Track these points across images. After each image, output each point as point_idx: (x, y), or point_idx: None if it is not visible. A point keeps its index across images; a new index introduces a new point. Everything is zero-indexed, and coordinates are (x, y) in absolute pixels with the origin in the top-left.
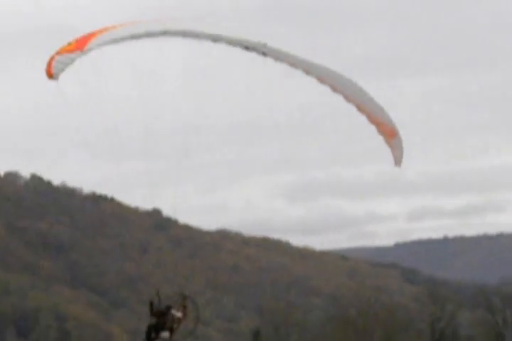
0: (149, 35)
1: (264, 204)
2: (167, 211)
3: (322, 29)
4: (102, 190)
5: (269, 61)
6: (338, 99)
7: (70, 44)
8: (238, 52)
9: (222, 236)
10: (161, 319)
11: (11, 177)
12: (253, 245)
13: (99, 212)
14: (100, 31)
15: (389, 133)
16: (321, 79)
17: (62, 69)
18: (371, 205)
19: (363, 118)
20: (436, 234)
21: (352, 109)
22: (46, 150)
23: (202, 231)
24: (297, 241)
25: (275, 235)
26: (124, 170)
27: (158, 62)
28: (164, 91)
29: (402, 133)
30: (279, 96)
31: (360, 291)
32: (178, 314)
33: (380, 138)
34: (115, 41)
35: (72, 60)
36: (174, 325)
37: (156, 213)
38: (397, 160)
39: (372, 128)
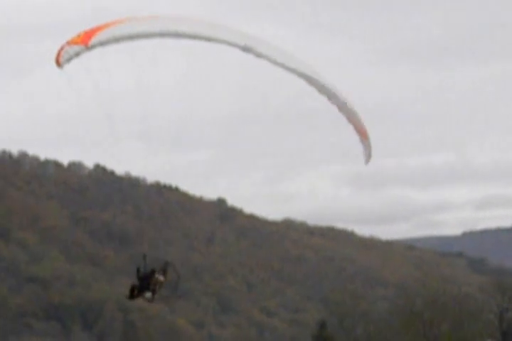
0: (148, 35)
1: (330, 194)
2: (232, 200)
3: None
4: (166, 179)
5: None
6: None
7: (79, 36)
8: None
9: (287, 226)
10: (144, 281)
11: (75, 167)
12: (318, 235)
13: (163, 201)
14: (107, 25)
15: (364, 134)
16: (307, 80)
17: (68, 60)
18: (439, 194)
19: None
20: (505, 223)
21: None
22: (109, 140)
23: (267, 221)
24: (363, 230)
25: (340, 225)
26: (190, 160)
27: (215, 50)
28: (226, 80)
29: (474, 120)
30: (349, 85)
31: (426, 281)
32: (161, 277)
33: (449, 127)
34: (117, 40)
35: (77, 53)
36: (156, 287)
37: (220, 203)
38: (368, 158)
39: (352, 127)
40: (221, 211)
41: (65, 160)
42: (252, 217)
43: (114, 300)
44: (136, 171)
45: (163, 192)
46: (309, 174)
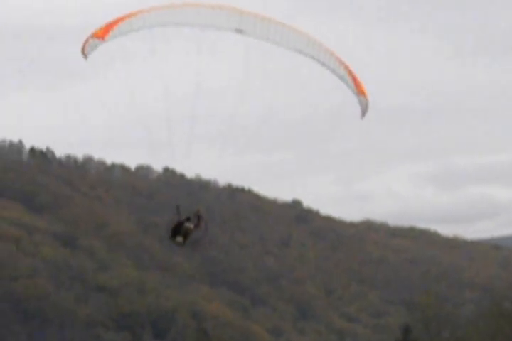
0: (160, 25)
1: (411, 193)
2: (307, 202)
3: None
4: (238, 181)
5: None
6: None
7: (100, 29)
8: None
9: (367, 228)
10: (178, 227)
11: (143, 171)
12: (399, 236)
13: (235, 204)
14: (122, 19)
15: (362, 90)
16: (303, 50)
17: (90, 52)
18: None
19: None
20: None
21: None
22: (179, 142)
23: (345, 222)
24: (446, 230)
25: (422, 225)
26: (263, 161)
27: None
28: (299, 80)
29: None
30: (432, 83)
31: None
32: (191, 225)
33: None
34: (132, 30)
35: (96, 46)
36: (187, 233)
37: (296, 204)
38: (364, 113)
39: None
40: (296, 213)
41: (132, 164)
42: (329, 219)
43: (186, 307)
44: (207, 174)
45: (235, 194)
46: (389, 173)
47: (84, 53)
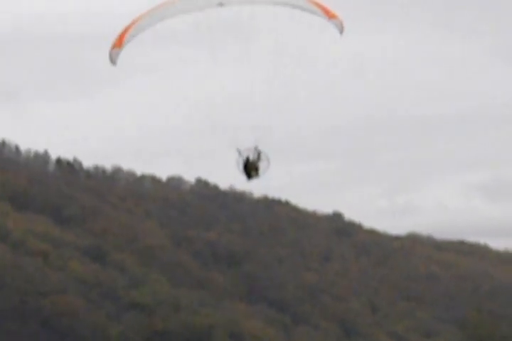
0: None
1: (459, 205)
2: (349, 214)
3: None
4: (274, 193)
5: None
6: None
7: (117, 38)
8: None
9: (412, 241)
10: (246, 165)
11: (175, 182)
12: (447, 250)
13: (273, 217)
14: (129, 25)
15: (331, 14)
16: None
17: (115, 61)
18: None
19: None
20: None
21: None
22: (211, 152)
23: (390, 236)
24: (497, 243)
25: (472, 238)
26: (300, 171)
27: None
28: (339, 89)
29: None
30: (482, 92)
31: None
32: (255, 159)
33: None
34: (140, 32)
35: (118, 55)
36: (256, 166)
37: (336, 217)
38: (341, 31)
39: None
40: (338, 226)
41: (163, 175)
42: (372, 232)
43: (223, 325)
44: (241, 185)
45: (272, 206)
46: (436, 184)
47: (112, 62)
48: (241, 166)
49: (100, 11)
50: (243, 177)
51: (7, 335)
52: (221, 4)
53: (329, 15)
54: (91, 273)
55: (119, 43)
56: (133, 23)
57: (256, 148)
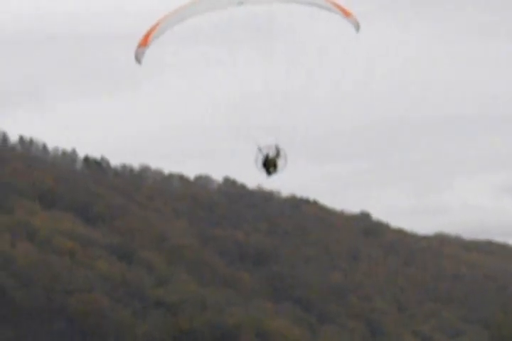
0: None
1: (487, 205)
2: (377, 214)
3: None
4: (302, 192)
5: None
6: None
7: (143, 37)
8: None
9: (440, 241)
10: (265, 161)
11: (202, 181)
12: (475, 250)
13: (300, 216)
14: (158, 23)
15: (348, 13)
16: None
17: (141, 60)
18: None
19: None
20: None
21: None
22: (239, 151)
23: (417, 235)
24: None
25: (500, 238)
26: (329, 171)
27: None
28: (367, 89)
29: None
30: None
31: None
32: (274, 156)
33: None
34: (165, 31)
35: (143, 54)
36: (274, 162)
37: (364, 217)
38: (357, 29)
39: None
40: (365, 226)
41: (191, 174)
42: (400, 232)
43: (250, 324)
44: (269, 184)
45: (299, 206)
46: (465, 184)
47: (138, 61)
48: (260, 163)
49: (126, 9)
50: (262, 173)
51: (34, 333)
52: (241, 3)
53: (345, 14)
54: (118, 272)
55: (144, 42)
56: (158, 22)
57: (276, 146)
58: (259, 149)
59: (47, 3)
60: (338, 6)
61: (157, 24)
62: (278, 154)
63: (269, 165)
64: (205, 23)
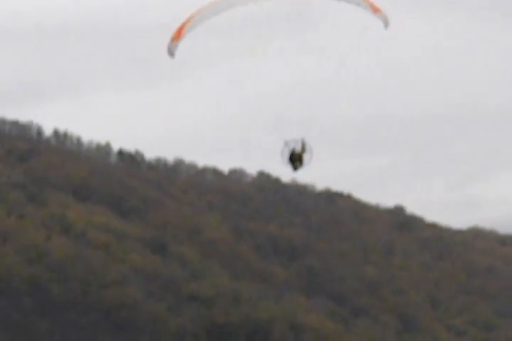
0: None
1: None
2: (411, 208)
3: None
4: (337, 186)
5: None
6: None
7: (176, 31)
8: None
9: (475, 235)
10: (291, 156)
11: (236, 175)
12: (510, 244)
13: (334, 210)
14: (192, 16)
15: (377, 9)
16: None
17: (173, 53)
18: None
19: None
20: None
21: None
22: (273, 144)
23: (452, 230)
24: None
25: None
26: (363, 165)
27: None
28: (403, 82)
29: None
30: None
31: None
32: (300, 151)
33: None
34: (196, 25)
35: (176, 47)
36: (300, 157)
37: (398, 211)
38: (386, 24)
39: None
40: (400, 220)
41: (225, 168)
42: (434, 226)
43: (283, 318)
44: (303, 178)
45: (334, 200)
46: (500, 178)
47: (170, 54)
48: (286, 156)
49: (164, 1)
50: (288, 168)
51: (69, 326)
52: None
53: (374, 10)
54: (152, 265)
55: (177, 36)
56: (191, 16)
57: (302, 140)
58: (286, 143)
59: None
60: (368, 2)
61: (191, 17)
62: (304, 149)
63: (295, 159)
64: (238, 16)
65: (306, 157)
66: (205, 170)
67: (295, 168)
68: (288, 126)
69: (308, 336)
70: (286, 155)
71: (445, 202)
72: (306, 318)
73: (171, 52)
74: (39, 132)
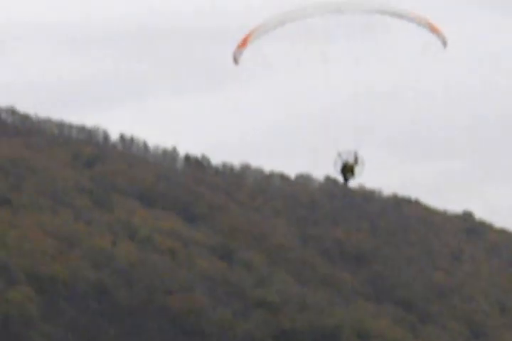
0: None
1: None
2: (480, 214)
3: None
4: (404, 191)
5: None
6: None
7: (242, 39)
8: None
9: None
10: (344, 167)
11: (303, 180)
12: None
13: (402, 216)
14: (257, 27)
15: (436, 29)
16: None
17: (238, 61)
18: None
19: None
20: None
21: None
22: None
23: None
24: None
25: None
26: (430, 170)
27: None
28: (468, 90)
29: None
30: None
31: None
32: (352, 163)
33: None
34: (266, 33)
35: (241, 55)
36: (352, 168)
37: (467, 216)
38: (445, 43)
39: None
40: (468, 225)
41: (291, 173)
42: (504, 232)
43: (351, 324)
44: (371, 183)
45: (401, 205)
46: None
47: (235, 61)
48: (338, 168)
49: (230, 7)
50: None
51: (135, 330)
52: (339, 10)
53: (433, 29)
54: (218, 271)
55: (243, 44)
56: (257, 27)
57: (355, 153)
58: (339, 154)
59: (151, 1)
60: (427, 21)
61: (256, 28)
62: (356, 161)
63: (347, 170)
64: (303, 25)
65: (357, 169)
66: (271, 176)
67: (346, 179)
68: (342, 135)
69: None
70: (339, 166)
71: None
72: (373, 324)
73: (235, 60)
74: (105, 137)
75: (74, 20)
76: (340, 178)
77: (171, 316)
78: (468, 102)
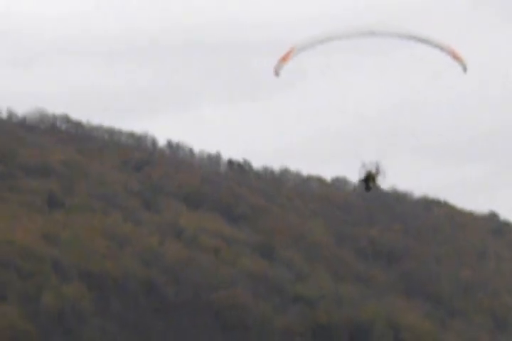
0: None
1: None
2: (505, 214)
3: None
4: (434, 193)
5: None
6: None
7: (285, 53)
8: None
9: None
10: (367, 177)
11: (339, 183)
12: None
13: (431, 216)
14: (297, 45)
15: (457, 55)
16: (416, 37)
17: (278, 73)
18: None
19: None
20: None
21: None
22: (372, 153)
23: None
24: None
25: None
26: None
27: None
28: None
29: None
30: None
31: None
32: (375, 173)
33: None
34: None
35: (281, 68)
36: (373, 178)
37: (492, 217)
38: (464, 69)
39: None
40: (493, 225)
41: (328, 176)
42: None
43: (384, 319)
44: (403, 185)
45: (431, 206)
46: None
47: (276, 73)
48: (361, 177)
49: (271, 19)
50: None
51: (182, 326)
52: (372, 33)
53: (454, 56)
54: (259, 269)
55: (286, 58)
56: (298, 43)
57: (377, 163)
58: (363, 165)
59: (194, 13)
60: (450, 48)
61: (299, 43)
62: (378, 171)
63: (369, 180)
64: (340, 43)
65: (379, 179)
66: (309, 179)
67: (368, 187)
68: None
69: (407, 335)
70: (362, 176)
71: None
72: (404, 318)
73: (276, 72)
74: (153, 143)
75: (127, 32)
76: (362, 187)
77: (214, 311)
78: (493, 108)
